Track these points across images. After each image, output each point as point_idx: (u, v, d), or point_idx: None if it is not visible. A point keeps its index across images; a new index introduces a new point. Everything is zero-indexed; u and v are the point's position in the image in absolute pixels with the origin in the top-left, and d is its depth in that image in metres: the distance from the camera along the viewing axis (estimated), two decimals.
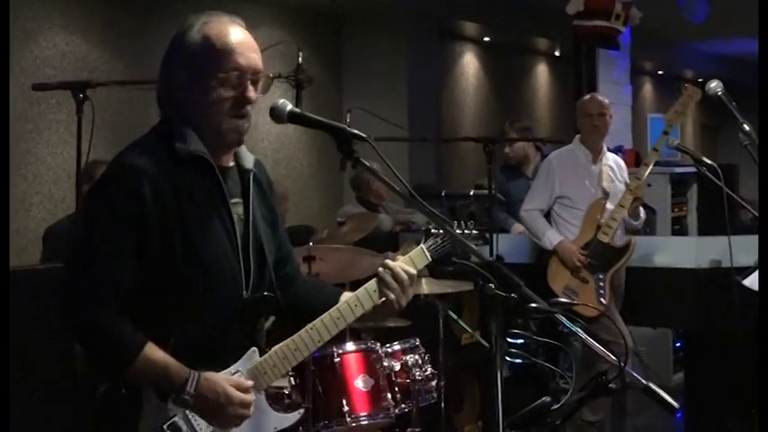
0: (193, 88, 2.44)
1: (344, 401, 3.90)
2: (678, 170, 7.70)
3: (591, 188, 5.69)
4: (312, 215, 9.09)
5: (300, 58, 4.31)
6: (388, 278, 2.58)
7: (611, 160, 5.87)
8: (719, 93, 4.68)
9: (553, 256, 5.63)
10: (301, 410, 2.60)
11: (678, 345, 7.59)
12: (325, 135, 2.45)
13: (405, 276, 2.58)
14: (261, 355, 2.51)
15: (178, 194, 2.38)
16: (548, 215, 5.82)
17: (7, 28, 3.89)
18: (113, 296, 2.33)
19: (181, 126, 2.46)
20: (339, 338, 4.60)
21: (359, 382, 3.98)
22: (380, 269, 2.60)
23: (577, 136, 5.89)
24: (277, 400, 2.57)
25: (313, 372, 3.91)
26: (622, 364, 2.18)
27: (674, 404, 2.28)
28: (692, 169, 7.19)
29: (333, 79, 9.73)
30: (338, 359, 3.99)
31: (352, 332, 4.86)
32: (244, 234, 2.51)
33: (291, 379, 3.94)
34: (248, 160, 2.58)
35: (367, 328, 4.75)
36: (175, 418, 2.36)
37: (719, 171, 5.21)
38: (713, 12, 9.95)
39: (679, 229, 7.63)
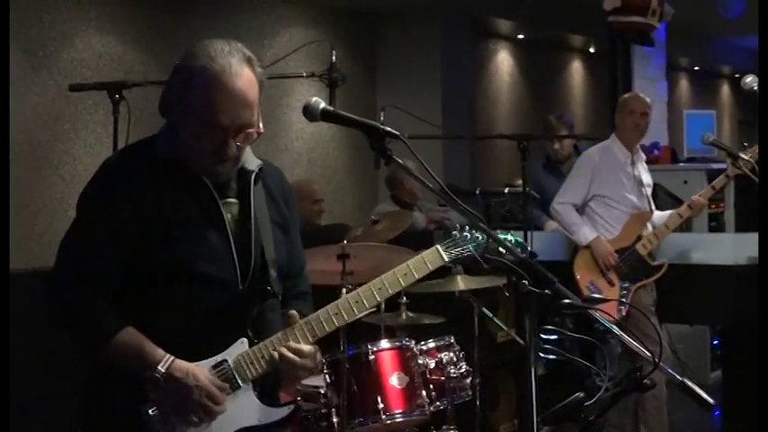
0: (182, 120, 2.48)
1: (379, 399, 3.92)
2: (715, 166, 7.63)
3: (629, 189, 5.63)
4: (347, 213, 9.11)
5: (334, 57, 4.32)
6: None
7: (641, 161, 5.82)
8: (755, 87, 4.64)
9: (584, 250, 5.61)
10: (291, 406, 2.56)
11: (716, 342, 7.53)
12: (360, 134, 2.44)
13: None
14: (251, 347, 2.51)
15: (157, 193, 2.46)
16: (580, 211, 5.75)
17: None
18: (92, 282, 2.43)
19: (166, 132, 2.54)
20: (374, 336, 4.62)
21: (394, 380, 3.99)
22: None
23: (614, 133, 5.78)
24: (266, 394, 2.54)
25: (348, 369, 3.92)
26: (657, 359, 2.18)
27: (710, 401, 2.26)
28: None
29: (366, 77, 9.74)
30: (373, 356, 4.00)
31: (387, 329, 4.87)
32: (240, 232, 2.54)
33: (326, 377, 3.96)
34: (251, 163, 2.60)
35: (401, 326, 4.75)
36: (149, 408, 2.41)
37: (756, 167, 5.18)
38: (749, 7, 9.86)
39: (716, 225, 7.56)
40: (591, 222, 5.70)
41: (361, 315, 2.63)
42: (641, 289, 5.54)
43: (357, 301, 2.60)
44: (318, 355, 2.58)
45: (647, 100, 5.79)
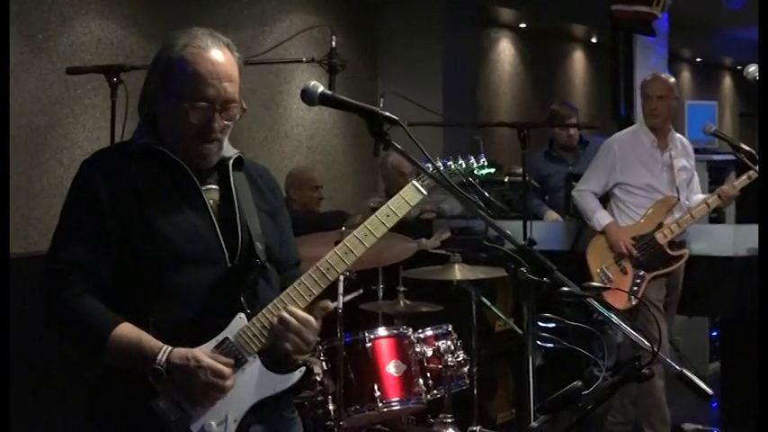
0: (165, 105, 2.53)
1: (376, 386, 3.91)
2: (716, 157, 7.61)
3: (655, 175, 5.45)
4: (346, 201, 9.08)
5: (334, 43, 4.30)
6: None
7: (679, 143, 5.58)
8: (758, 77, 4.62)
9: (600, 235, 5.49)
10: (302, 369, 2.55)
11: (714, 334, 7.52)
12: (361, 121, 2.43)
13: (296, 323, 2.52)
14: (249, 320, 2.52)
15: (135, 183, 2.49)
16: (604, 200, 5.61)
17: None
18: (79, 281, 2.44)
19: (142, 124, 2.60)
20: (371, 324, 4.61)
21: (391, 368, 3.99)
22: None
23: (641, 117, 5.63)
24: (275, 361, 2.53)
25: (345, 357, 3.92)
26: (655, 349, 2.16)
27: (709, 391, 2.25)
28: (730, 156, 7.09)
29: (367, 64, 9.71)
30: (370, 344, 3.99)
31: (385, 317, 4.86)
32: (223, 212, 2.56)
33: (323, 364, 3.96)
34: (229, 151, 2.64)
35: (399, 314, 4.75)
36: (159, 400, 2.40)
37: (757, 158, 5.16)
38: None
39: (716, 216, 7.54)
40: (616, 209, 5.54)
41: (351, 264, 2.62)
42: (653, 283, 5.40)
43: (346, 252, 2.60)
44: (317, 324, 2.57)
45: (669, 81, 5.53)
